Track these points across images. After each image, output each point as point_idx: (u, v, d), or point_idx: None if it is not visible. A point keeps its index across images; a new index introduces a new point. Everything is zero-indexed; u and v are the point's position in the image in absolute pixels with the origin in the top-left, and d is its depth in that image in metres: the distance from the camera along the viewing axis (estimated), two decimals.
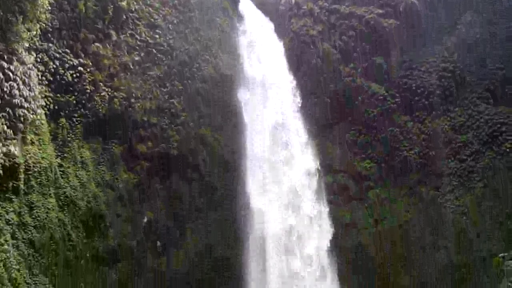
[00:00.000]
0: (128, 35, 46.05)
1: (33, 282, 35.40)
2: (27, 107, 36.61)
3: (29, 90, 36.92)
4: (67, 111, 41.78)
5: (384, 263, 43.82)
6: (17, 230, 35.91)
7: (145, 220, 45.46)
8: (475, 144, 41.10)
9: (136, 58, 45.74)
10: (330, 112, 48.82)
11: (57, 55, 41.34)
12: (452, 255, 40.32)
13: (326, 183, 47.14)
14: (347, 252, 44.81)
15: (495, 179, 39.23)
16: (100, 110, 43.31)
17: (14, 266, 34.03)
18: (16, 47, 36.07)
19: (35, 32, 37.66)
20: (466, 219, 39.98)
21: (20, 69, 36.34)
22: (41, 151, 38.76)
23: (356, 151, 47.53)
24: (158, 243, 45.47)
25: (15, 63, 35.95)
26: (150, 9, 47.99)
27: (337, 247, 44.94)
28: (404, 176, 44.74)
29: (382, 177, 45.94)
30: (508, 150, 39.06)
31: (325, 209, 46.39)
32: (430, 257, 41.53)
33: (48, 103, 40.09)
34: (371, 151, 46.86)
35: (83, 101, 42.56)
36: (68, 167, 41.75)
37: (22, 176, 36.60)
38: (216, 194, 47.41)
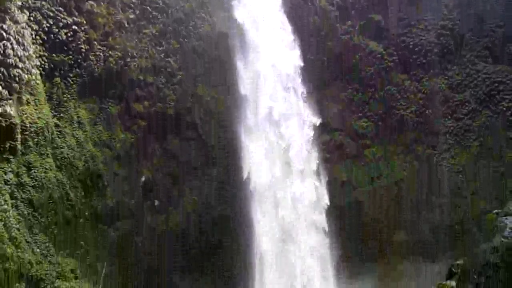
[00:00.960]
0: None
1: (33, 241, 35.83)
2: (22, 67, 36.25)
3: (23, 49, 36.48)
4: (62, 71, 41.38)
5: (379, 220, 44.41)
6: (15, 190, 36.10)
7: (143, 179, 45.70)
8: (472, 103, 41.08)
9: (131, 16, 44.99)
10: (327, 70, 48.47)
11: (51, 14, 40.64)
12: (446, 213, 40.87)
13: (323, 141, 47.23)
14: (342, 209, 45.30)
15: (491, 137, 39.38)
16: (96, 69, 42.90)
17: (14, 226, 34.37)
18: (8, 5, 35.45)
19: None
20: (461, 177, 40.33)
21: (14, 28, 35.79)
22: (37, 111, 38.58)
23: (353, 110, 47.48)
24: (156, 202, 45.85)
25: (8, 22, 35.39)
26: None
27: (332, 203, 45.41)
28: (400, 134, 44.85)
29: (379, 136, 46.06)
30: (505, 109, 39.05)
31: (320, 166, 46.59)
32: (425, 214, 42.10)
33: (43, 62, 39.68)
34: (368, 109, 46.82)
35: (78, 61, 42.11)
36: (65, 127, 41.66)
37: (19, 136, 36.55)
38: (213, 152, 47.49)
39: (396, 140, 45.17)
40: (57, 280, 35.62)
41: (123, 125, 45.01)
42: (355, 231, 45.00)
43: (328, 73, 48.72)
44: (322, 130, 47.83)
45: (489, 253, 3.92)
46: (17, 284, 32.97)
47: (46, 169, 38.56)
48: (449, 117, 42.43)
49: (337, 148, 47.46)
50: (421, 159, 43.28)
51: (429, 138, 43.11)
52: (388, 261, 42.61)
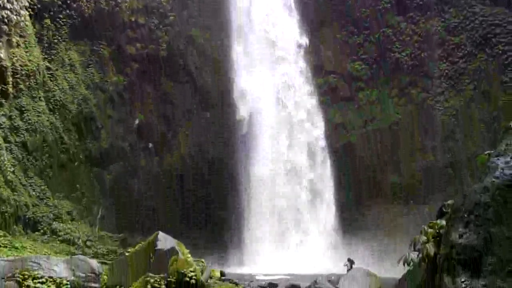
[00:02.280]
0: None
1: (29, 184, 36.12)
2: (10, 8, 35.50)
3: None
4: (52, 12, 40.53)
5: (372, 162, 44.83)
6: (9, 133, 36.09)
7: (137, 122, 45.67)
8: (467, 46, 40.68)
9: None
10: (321, 12, 47.61)
11: None
12: (439, 156, 41.25)
13: (317, 84, 47.01)
14: (336, 152, 45.62)
15: (485, 81, 39.27)
16: (86, 10, 42.04)
17: (9, 169, 34.56)
18: None
19: None
20: (454, 121, 40.44)
21: None
22: (27, 54, 38.07)
23: (347, 52, 46.98)
24: (150, 145, 45.99)
25: None
26: None
27: (327, 146, 45.71)
28: (395, 77, 44.61)
29: (373, 79, 45.78)
30: (500, 52, 38.69)
31: (314, 107, 46.56)
32: (418, 157, 42.49)
33: (32, 3, 38.81)
34: (362, 52, 46.33)
35: (68, 1, 41.18)
36: (56, 70, 41.23)
37: (10, 79, 36.22)
38: (207, 95, 47.26)
39: (391, 83, 44.95)
40: (53, 222, 36.20)
41: (115, 67, 44.56)
42: (348, 173, 45.49)
43: (323, 15, 47.88)
44: (316, 72, 47.52)
45: (480, 193, 3.93)
46: (14, 227, 33.49)
47: (39, 112, 38.43)
48: (444, 60, 42.09)
49: (331, 91, 47.28)
50: (415, 102, 43.25)
51: (423, 81, 42.91)
52: (380, 202, 43.32)
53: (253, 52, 46.85)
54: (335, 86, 47.14)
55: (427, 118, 42.43)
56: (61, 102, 40.38)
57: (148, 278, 14.59)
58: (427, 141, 42.15)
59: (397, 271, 6.09)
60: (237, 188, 45.25)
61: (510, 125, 4.42)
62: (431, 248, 4.40)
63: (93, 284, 18.92)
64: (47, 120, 38.92)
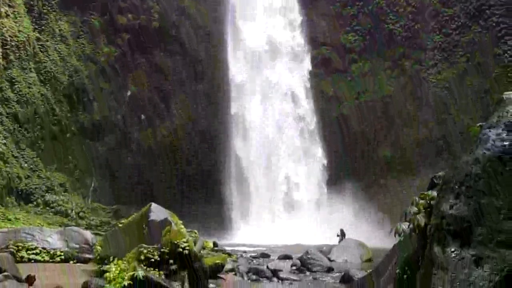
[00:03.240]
0: None
1: (21, 156, 36.00)
2: None
3: None
4: None
5: (364, 134, 44.95)
6: (0, 105, 35.81)
7: (129, 93, 45.41)
8: (461, 18, 40.38)
9: None
10: None
11: None
12: (431, 128, 41.35)
13: (310, 56, 46.82)
14: (330, 124, 45.69)
15: (478, 53, 39.11)
16: None
17: (0, 141, 34.39)
18: None
19: None
20: (447, 93, 40.43)
21: None
22: (17, 24, 37.53)
23: (341, 24, 46.66)
24: (143, 116, 45.83)
25: None
26: None
27: (320, 118, 45.77)
28: (388, 49, 44.41)
29: (366, 50, 45.60)
30: (494, 24, 38.45)
31: (307, 79, 46.51)
32: (410, 129, 42.60)
33: None
34: (356, 24, 46.04)
35: None
36: (47, 41, 40.73)
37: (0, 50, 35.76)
38: (200, 66, 46.94)
39: (384, 55, 44.76)
40: (46, 194, 36.26)
41: (106, 38, 44.07)
42: (340, 145, 45.65)
43: None
44: (309, 44, 47.25)
45: (471, 165, 3.95)
46: (7, 198, 33.50)
47: (30, 83, 38.09)
48: (438, 32, 41.84)
49: (324, 63, 47.11)
50: (408, 75, 43.17)
51: (416, 53, 42.73)
52: (372, 175, 43.61)
53: (247, 24, 46.64)
54: (328, 58, 46.97)
55: (419, 90, 42.42)
56: (52, 74, 40.02)
57: (141, 249, 14.67)
58: (419, 113, 42.21)
59: (389, 242, 6.17)
60: (230, 160, 45.38)
61: (503, 97, 4.43)
62: (421, 219, 4.44)
63: (87, 255, 19.05)
64: (38, 92, 38.63)
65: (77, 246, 19.36)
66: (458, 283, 3.62)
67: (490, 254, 3.67)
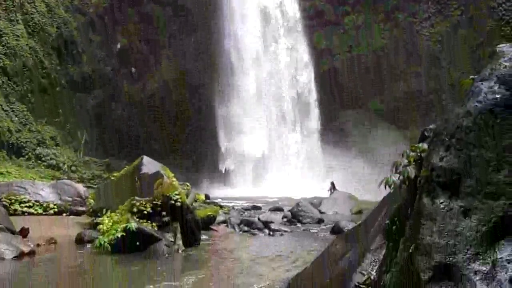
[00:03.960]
0: None
1: (11, 110, 35.69)
2: None
3: None
4: None
5: (357, 87, 44.87)
6: None
7: (119, 46, 44.76)
8: None
9: None
10: None
11: None
12: (423, 82, 41.34)
13: (303, 8, 46.15)
14: (322, 77, 45.47)
15: (472, 6, 38.67)
16: None
17: None
18: None
19: None
20: (439, 46, 40.23)
21: None
22: None
23: None
24: (133, 69, 45.36)
25: None
26: None
27: (312, 71, 45.54)
28: (381, 1, 43.80)
29: (359, 3, 44.97)
30: None
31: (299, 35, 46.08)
32: (402, 83, 42.56)
33: None
34: None
35: None
36: None
37: None
38: (191, 18, 46.14)
39: (377, 7, 44.19)
40: (37, 148, 36.14)
41: None
42: (333, 97, 45.57)
43: None
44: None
45: (462, 117, 3.94)
46: None
47: (18, 36, 37.38)
48: None
49: (317, 15, 46.49)
50: (401, 28, 42.77)
51: (410, 5, 42.18)
52: (364, 127, 43.78)
53: None
54: (321, 10, 46.32)
55: (412, 43, 42.14)
56: (40, 26, 39.23)
57: (134, 202, 14.79)
58: (411, 67, 42.07)
59: (378, 194, 6.24)
60: (221, 113, 45.27)
61: (496, 50, 4.40)
62: (412, 171, 4.48)
63: (79, 208, 19.21)
64: (26, 44, 37.95)
65: (70, 199, 19.49)
66: (446, 233, 3.69)
67: (478, 205, 3.73)
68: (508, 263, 3.45)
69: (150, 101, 45.54)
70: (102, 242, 13.69)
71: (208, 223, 18.57)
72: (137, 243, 13.61)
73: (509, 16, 36.94)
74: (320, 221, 21.48)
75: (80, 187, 20.67)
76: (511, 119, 3.92)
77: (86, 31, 42.62)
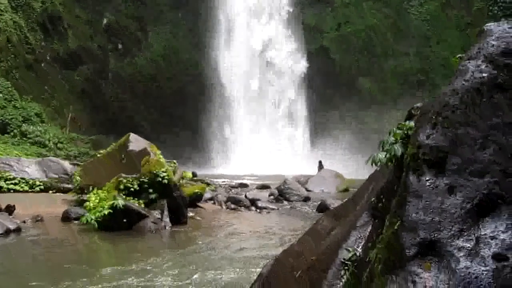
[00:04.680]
0: None
1: None
2: None
3: None
4: None
5: (346, 66, 44.79)
6: None
7: (105, 22, 44.18)
8: None
9: None
10: None
11: None
12: (412, 61, 41.41)
13: None
14: (311, 55, 45.31)
15: None
16: None
17: None
18: None
19: None
20: (428, 26, 40.26)
21: None
22: None
23: None
24: (120, 46, 44.87)
25: None
26: None
27: (301, 50, 45.36)
28: None
29: None
30: None
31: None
32: (391, 62, 42.59)
33: None
34: None
35: None
36: None
37: None
38: None
39: None
40: (23, 124, 35.83)
41: None
42: (324, 76, 45.47)
43: None
44: None
45: (449, 96, 3.97)
46: None
47: (1, 10, 36.79)
48: None
49: None
50: (390, 6, 42.62)
51: None
52: (353, 105, 43.83)
53: None
54: None
55: (401, 22, 42.06)
56: (24, 0, 38.59)
57: (121, 179, 14.77)
58: (400, 45, 42.07)
59: (365, 172, 6.29)
60: (211, 90, 45.03)
61: (484, 28, 4.41)
62: (398, 149, 4.50)
63: (66, 185, 19.12)
64: (11, 19, 37.37)
65: (56, 176, 19.38)
66: (431, 210, 3.73)
67: (463, 182, 3.77)
68: (492, 239, 3.50)
69: (139, 77, 45.15)
70: (89, 219, 13.69)
71: (195, 200, 18.62)
72: (124, 220, 13.63)
73: None
74: (306, 199, 21.64)
75: (66, 164, 20.56)
76: (498, 98, 3.94)
77: (72, 6, 42.00)
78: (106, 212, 13.62)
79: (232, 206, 19.41)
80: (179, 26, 45.42)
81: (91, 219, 13.68)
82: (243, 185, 26.85)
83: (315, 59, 44.86)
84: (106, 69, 44.37)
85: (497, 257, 3.42)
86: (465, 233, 3.57)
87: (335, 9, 44.92)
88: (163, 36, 45.29)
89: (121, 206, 13.61)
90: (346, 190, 24.48)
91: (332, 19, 45.13)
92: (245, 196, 20.78)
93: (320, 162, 32.09)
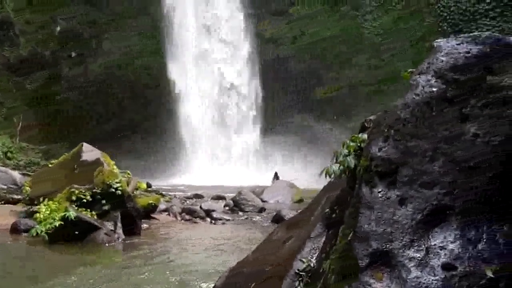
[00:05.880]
0: None
1: None
2: None
3: None
4: None
5: (301, 78, 45.28)
6: None
7: (58, 28, 43.32)
8: None
9: None
10: None
11: None
12: (366, 73, 42.27)
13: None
14: (267, 66, 45.59)
15: (413, 1, 39.83)
16: None
17: None
18: None
19: None
20: (381, 40, 41.26)
21: None
22: None
23: None
24: (73, 54, 44.06)
25: None
26: None
27: (258, 61, 45.59)
28: None
29: None
30: None
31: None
32: (345, 74, 43.35)
33: None
34: None
35: None
36: None
37: None
38: (136, 1, 45.03)
39: None
40: None
41: None
42: (277, 87, 45.81)
43: None
44: None
45: (401, 109, 4.10)
46: None
47: None
48: None
49: (262, 4, 46.51)
50: (345, 19, 43.44)
51: None
52: (307, 117, 44.29)
53: None
54: None
55: (356, 35, 42.93)
56: None
57: (73, 190, 14.45)
58: (355, 58, 42.90)
59: (320, 183, 6.36)
60: (167, 99, 44.65)
61: (433, 44, 4.55)
62: (352, 161, 4.58)
63: (15, 196, 18.54)
64: None
65: (5, 186, 18.82)
66: (383, 221, 3.80)
67: (414, 194, 3.86)
68: (441, 249, 3.60)
69: (93, 85, 44.38)
70: (39, 231, 13.34)
71: (149, 211, 18.39)
72: (76, 232, 13.34)
73: (446, 13, 38.42)
74: (262, 210, 21.68)
75: (16, 174, 20.01)
76: (446, 111, 4.07)
77: (24, 12, 41.02)
78: (57, 224, 13.29)
79: (187, 217, 19.26)
80: (134, 32, 44.91)
81: (41, 231, 13.32)
82: (198, 196, 26.68)
83: (271, 69, 45.18)
84: (59, 76, 43.43)
85: (446, 266, 3.52)
86: (416, 244, 3.66)
87: (291, 21, 45.45)
88: (118, 43, 44.68)
89: (72, 217, 13.32)
90: (301, 200, 24.63)
91: (289, 31, 45.66)
92: (200, 207, 20.66)
93: (275, 173, 32.26)
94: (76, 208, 13.97)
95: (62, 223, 13.22)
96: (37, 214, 14.27)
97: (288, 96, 45.24)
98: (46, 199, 14.96)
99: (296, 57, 45.34)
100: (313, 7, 44.89)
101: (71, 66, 43.84)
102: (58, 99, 43.46)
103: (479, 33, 4.68)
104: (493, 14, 37.07)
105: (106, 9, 44.10)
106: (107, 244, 13.34)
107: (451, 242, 3.63)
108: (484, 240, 3.58)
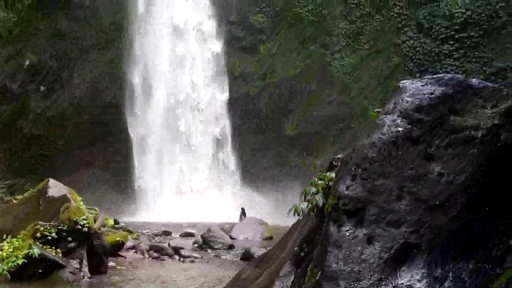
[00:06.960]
0: None
1: None
2: None
3: None
4: None
5: (269, 115, 45.59)
6: None
7: (27, 62, 42.98)
8: (366, 6, 41.95)
9: None
10: None
11: None
12: (335, 109, 42.85)
13: (220, 33, 46.64)
14: (234, 102, 45.86)
15: (380, 41, 40.90)
16: None
17: None
18: None
19: None
20: (349, 78, 42.06)
21: None
22: None
23: (250, 3, 46.75)
24: (42, 88, 43.63)
25: None
26: None
27: (228, 97, 45.87)
28: (296, 32, 45.16)
29: (275, 32, 46.13)
30: (395, 15, 40.39)
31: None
32: (314, 112, 43.83)
33: None
34: (266, 5, 46.28)
35: None
36: None
37: None
38: (105, 35, 45.02)
39: (292, 37, 45.51)
40: None
41: (3, 1, 41.23)
42: (246, 123, 45.98)
43: None
44: (218, 22, 46.99)
45: (368, 148, 4.18)
46: None
47: None
48: (344, 19, 43.20)
49: (232, 41, 47.09)
50: (313, 58, 44.21)
51: (322, 38, 43.77)
52: (276, 153, 44.43)
53: None
54: (237, 36, 47.02)
55: (324, 73, 43.68)
56: None
57: (37, 226, 14.10)
58: (323, 96, 43.49)
59: (289, 221, 6.37)
60: (133, 135, 44.35)
61: (399, 85, 4.69)
62: (320, 199, 4.62)
63: None
64: None
65: None
66: (351, 260, 3.81)
67: (381, 232, 3.90)
68: None
69: (61, 118, 43.83)
70: (1, 270, 12.90)
71: (116, 249, 17.99)
72: (40, 270, 12.96)
73: (412, 53, 39.60)
74: (231, 247, 21.47)
75: None
76: (412, 150, 4.16)
77: None
78: (20, 261, 12.90)
79: (155, 254, 18.93)
80: (103, 64, 44.79)
81: (3, 269, 12.90)
82: (167, 233, 26.32)
83: (240, 106, 45.49)
84: (27, 109, 42.83)
85: None
86: (383, 283, 3.68)
87: (260, 59, 46.05)
88: (87, 76, 44.44)
89: (36, 255, 12.95)
90: (270, 237, 24.50)
91: (257, 68, 46.17)
92: (168, 245, 20.35)
93: (242, 209, 32.11)
94: (41, 245, 13.60)
95: (26, 261, 12.84)
96: None
97: (257, 133, 45.45)
98: (9, 236, 14.53)
99: (266, 93, 45.77)
100: (283, 45, 45.72)
101: (39, 99, 43.34)
102: (25, 132, 42.75)
103: (443, 74, 4.84)
104: (457, 55, 38.34)
105: (76, 42, 43.99)
106: (72, 283, 12.99)
107: (418, 281, 3.67)
108: (450, 279, 3.63)
